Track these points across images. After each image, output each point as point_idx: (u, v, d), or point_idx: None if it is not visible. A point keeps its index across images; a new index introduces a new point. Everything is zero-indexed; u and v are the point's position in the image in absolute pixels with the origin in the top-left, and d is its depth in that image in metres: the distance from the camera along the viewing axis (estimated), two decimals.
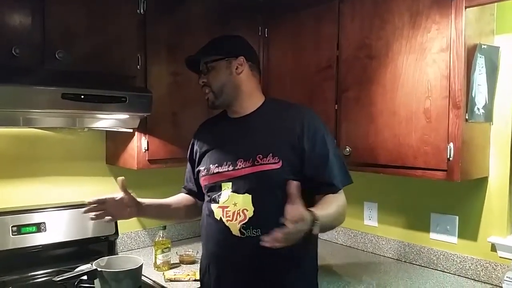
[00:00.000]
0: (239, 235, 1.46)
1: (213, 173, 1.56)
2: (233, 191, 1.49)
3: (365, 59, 2.01)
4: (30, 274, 1.99)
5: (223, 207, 1.50)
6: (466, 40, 1.70)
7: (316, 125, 1.53)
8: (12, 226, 1.96)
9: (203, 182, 1.61)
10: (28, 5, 1.72)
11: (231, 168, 1.52)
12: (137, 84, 2.05)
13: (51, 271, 2.00)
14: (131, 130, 2.10)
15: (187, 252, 2.26)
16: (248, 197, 1.47)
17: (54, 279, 1.76)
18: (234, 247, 1.49)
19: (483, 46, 1.80)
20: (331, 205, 1.45)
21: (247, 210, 1.45)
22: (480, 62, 1.78)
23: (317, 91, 2.23)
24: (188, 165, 1.77)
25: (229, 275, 1.53)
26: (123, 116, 1.98)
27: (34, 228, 2.01)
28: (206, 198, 1.60)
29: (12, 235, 1.95)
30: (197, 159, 1.67)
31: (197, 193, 1.73)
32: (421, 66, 1.82)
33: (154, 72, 2.12)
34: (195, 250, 2.26)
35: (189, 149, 1.75)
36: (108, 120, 1.99)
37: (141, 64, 2.06)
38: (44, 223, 2.05)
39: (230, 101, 1.59)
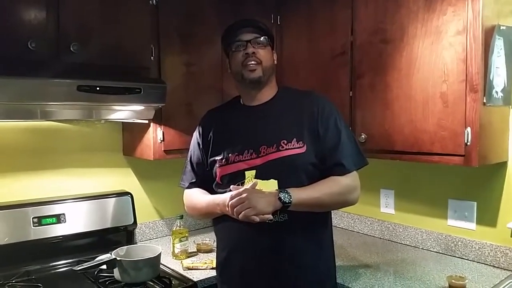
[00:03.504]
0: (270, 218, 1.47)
1: (233, 162, 1.55)
2: (258, 178, 1.49)
3: (380, 44, 1.98)
4: (51, 264, 2.03)
5: None
6: (483, 21, 1.66)
7: (329, 109, 1.57)
8: (33, 218, 2.00)
9: (220, 172, 1.58)
10: None
11: (254, 155, 1.52)
12: (151, 75, 2.07)
13: (71, 261, 2.04)
14: (146, 121, 2.11)
15: (204, 241, 2.29)
16: (274, 183, 1.48)
17: (74, 268, 1.80)
18: (262, 233, 1.49)
19: (501, 27, 1.75)
20: (324, 181, 1.50)
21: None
22: (498, 44, 1.74)
23: (331, 78, 2.21)
24: (195, 157, 1.70)
25: (255, 262, 1.54)
26: (138, 107, 1.99)
27: (54, 219, 2.05)
28: (223, 189, 1.57)
29: (33, 226, 1.99)
30: (211, 149, 1.63)
31: (205, 187, 1.67)
32: (437, 50, 1.78)
33: (168, 62, 2.13)
34: (212, 239, 2.27)
35: (197, 138, 1.70)
36: (124, 112, 2.01)
37: (154, 55, 2.07)
38: (63, 214, 2.08)
39: (266, 83, 1.60)
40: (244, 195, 1.39)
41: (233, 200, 1.40)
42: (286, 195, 1.42)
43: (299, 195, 1.44)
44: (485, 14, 1.67)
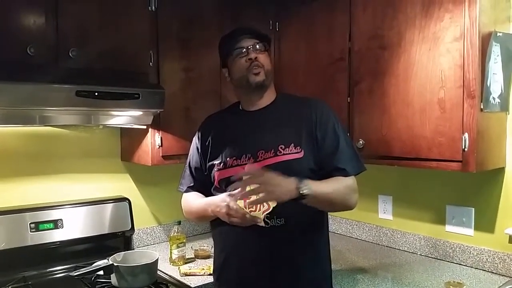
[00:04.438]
0: (263, 224, 1.46)
1: (231, 166, 1.55)
2: None
3: (378, 50, 1.99)
4: (48, 270, 2.02)
5: (245, 199, 1.50)
6: (480, 28, 1.67)
7: (327, 114, 1.57)
8: (30, 223, 1.99)
9: (218, 176, 1.58)
10: (42, 5, 1.75)
11: (252, 160, 1.53)
12: (150, 80, 2.07)
13: (68, 266, 2.03)
14: (144, 127, 2.11)
15: (202, 247, 2.28)
16: None
17: (71, 274, 1.80)
18: (258, 237, 1.49)
19: (498, 34, 1.76)
20: (332, 180, 1.49)
21: (270, 200, 1.43)
22: (495, 50, 1.75)
23: (329, 84, 2.21)
24: (193, 162, 1.71)
25: (252, 265, 1.54)
26: (137, 112, 2.00)
27: (51, 225, 2.05)
28: (221, 193, 1.55)
29: (31, 232, 1.98)
30: (209, 153, 1.64)
31: (204, 191, 1.68)
32: (434, 56, 1.79)
33: (166, 68, 2.13)
34: (210, 245, 2.27)
35: (196, 143, 1.71)
36: (122, 117, 2.01)
37: (153, 60, 2.08)
38: (61, 219, 2.08)
39: (267, 87, 1.61)
40: (262, 176, 1.33)
41: (247, 178, 1.34)
42: (307, 187, 1.36)
43: (316, 188, 1.39)
44: (482, 20, 1.68)
